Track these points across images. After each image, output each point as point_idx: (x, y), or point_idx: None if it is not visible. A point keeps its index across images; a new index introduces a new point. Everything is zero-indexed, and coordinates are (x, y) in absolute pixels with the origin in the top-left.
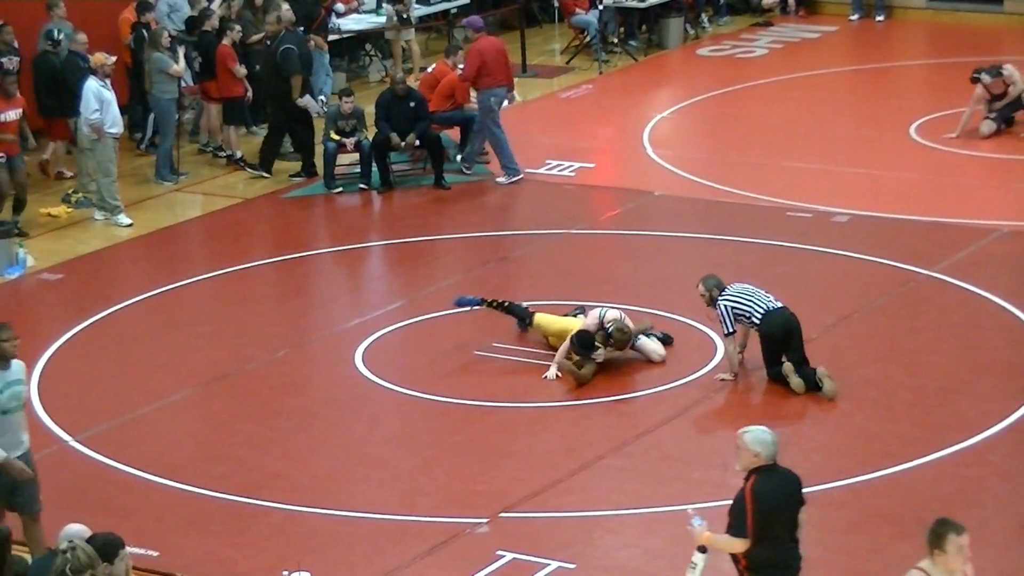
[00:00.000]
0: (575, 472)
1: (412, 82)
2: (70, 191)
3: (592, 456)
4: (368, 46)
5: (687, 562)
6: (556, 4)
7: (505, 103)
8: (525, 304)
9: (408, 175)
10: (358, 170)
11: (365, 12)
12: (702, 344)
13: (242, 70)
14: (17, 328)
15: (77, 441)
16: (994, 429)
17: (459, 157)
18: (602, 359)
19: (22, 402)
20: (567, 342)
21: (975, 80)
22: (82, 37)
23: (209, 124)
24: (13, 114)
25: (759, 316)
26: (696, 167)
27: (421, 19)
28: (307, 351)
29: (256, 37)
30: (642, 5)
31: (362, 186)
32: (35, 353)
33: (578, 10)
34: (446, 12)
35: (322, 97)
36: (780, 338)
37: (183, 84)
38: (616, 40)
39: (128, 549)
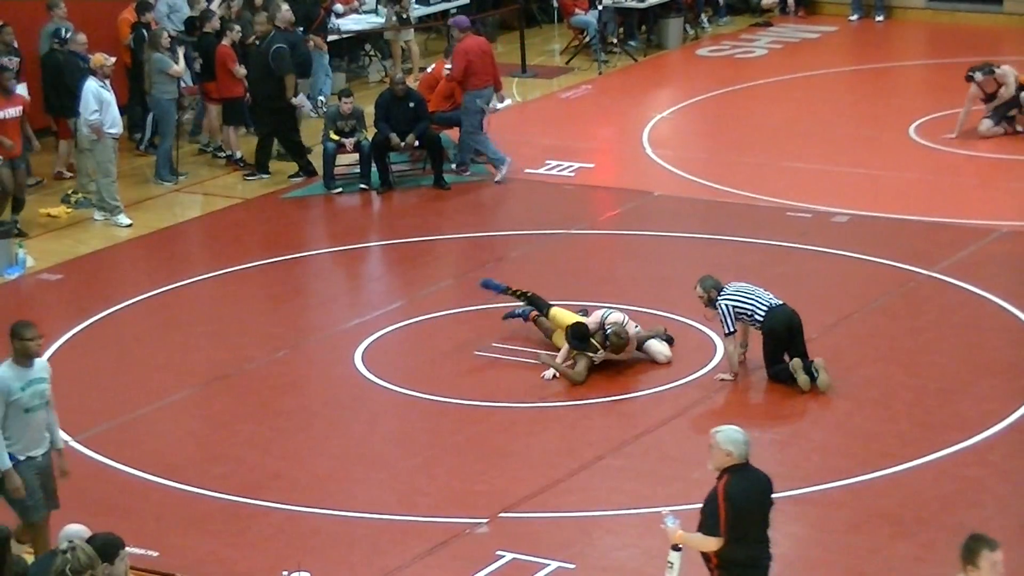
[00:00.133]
0: (575, 472)
1: (411, 82)
2: (70, 191)
3: (592, 456)
4: (368, 46)
5: (687, 562)
6: (555, 4)
7: (497, 105)
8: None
9: (408, 175)
10: (358, 170)
11: (364, 12)
12: (702, 344)
13: (242, 70)
14: None
15: (77, 441)
16: (994, 429)
17: (453, 166)
18: (599, 360)
19: (45, 400)
20: (567, 344)
21: (969, 79)
22: (81, 37)
23: (209, 125)
24: (13, 111)
25: (762, 314)
26: (696, 167)
27: (420, 19)
28: (307, 351)
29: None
30: (641, 5)
31: (362, 186)
32: None
33: (577, 10)
34: (445, 12)
35: (321, 98)
36: (784, 335)
37: (183, 84)
38: (615, 40)
39: (128, 549)
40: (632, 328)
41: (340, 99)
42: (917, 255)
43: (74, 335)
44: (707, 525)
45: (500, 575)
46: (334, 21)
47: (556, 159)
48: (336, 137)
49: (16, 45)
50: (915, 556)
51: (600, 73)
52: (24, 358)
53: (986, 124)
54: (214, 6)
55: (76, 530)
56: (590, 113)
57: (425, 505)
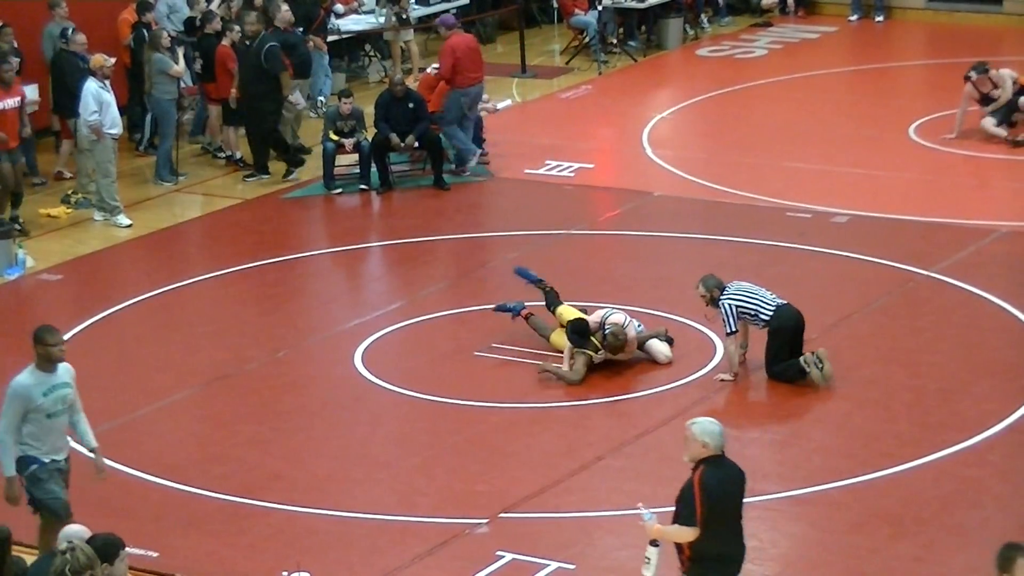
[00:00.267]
0: (575, 472)
1: (411, 83)
2: (70, 192)
3: (592, 456)
4: (367, 47)
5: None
6: (555, 5)
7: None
8: (529, 303)
9: (407, 176)
10: (357, 171)
11: (364, 13)
12: (702, 344)
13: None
14: (16, 329)
15: (76, 441)
16: (994, 429)
17: (453, 166)
18: (599, 360)
19: (68, 406)
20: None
21: (967, 79)
22: (81, 38)
23: (210, 125)
24: (12, 102)
25: (768, 313)
26: (695, 167)
27: (420, 20)
28: (307, 352)
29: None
30: (641, 6)
31: (362, 187)
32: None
33: (577, 11)
34: (457, 15)
35: (321, 98)
36: (790, 335)
37: (183, 85)
38: (615, 41)
39: (128, 550)
40: (633, 329)
41: (340, 99)
42: (917, 255)
43: (74, 335)
44: (683, 516)
45: (500, 575)
46: (334, 21)
47: (556, 159)
48: (336, 137)
49: (16, 45)
50: (915, 556)
51: (600, 73)
52: (47, 363)
53: (989, 121)
54: (214, 6)
55: (76, 530)
56: (590, 113)
57: (425, 505)
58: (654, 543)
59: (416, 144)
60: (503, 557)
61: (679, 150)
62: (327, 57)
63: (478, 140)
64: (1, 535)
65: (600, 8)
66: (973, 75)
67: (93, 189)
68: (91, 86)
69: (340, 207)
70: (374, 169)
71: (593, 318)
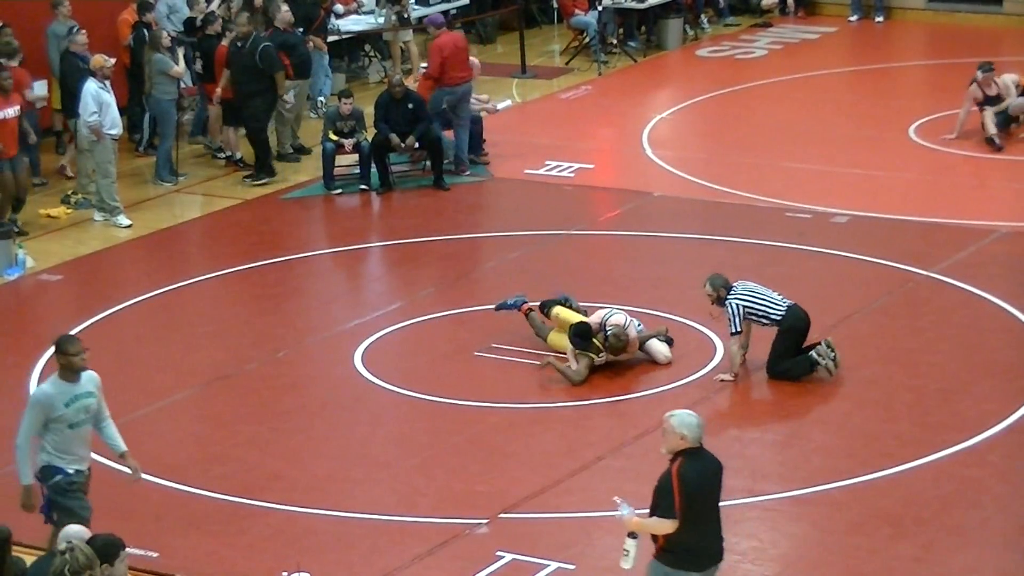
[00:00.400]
0: (575, 473)
1: (411, 83)
2: (70, 192)
3: (592, 457)
4: (367, 47)
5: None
6: (555, 5)
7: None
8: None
9: (407, 176)
10: (357, 171)
11: (364, 13)
12: (702, 344)
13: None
14: (16, 329)
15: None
16: (994, 430)
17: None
18: (601, 362)
19: (91, 415)
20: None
21: (974, 79)
22: (81, 38)
23: (210, 125)
24: (12, 112)
25: (779, 313)
26: (695, 168)
27: (420, 20)
28: (307, 352)
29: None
30: (641, 6)
31: (362, 187)
32: (34, 354)
33: (577, 11)
34: (445, 13)
35: (321, 98)
36: (801, 334)
37: (183, 85)
38: (615, 41)
39: (128, 550)
40: (634, 331)
41: (340, 100)
42: (916, 255)
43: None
44: (661, 508)
45: (500, 575)
46: (334, 22)
47: (556, 159)
48: (335, 138)
49: (16, 46)
50: (915, 556)
51: (600, 74)
52: (70, 373)
53: (990, 114)
54: (213, 6)
55: (76, 530)
56: (590, 114)
57: (425, 506)
58: (632, 535)
59: (416, 145)
60: (503, 557)
61: (679, 150)
62: (327, 57)
63: (478, 140)
64: (1, 535)
65: (600, 8)
66: (979, 75)
67: (93, 189)
68: (91, 87)
69: (340, 207)
70: (374, 169)
71: (593, 319)
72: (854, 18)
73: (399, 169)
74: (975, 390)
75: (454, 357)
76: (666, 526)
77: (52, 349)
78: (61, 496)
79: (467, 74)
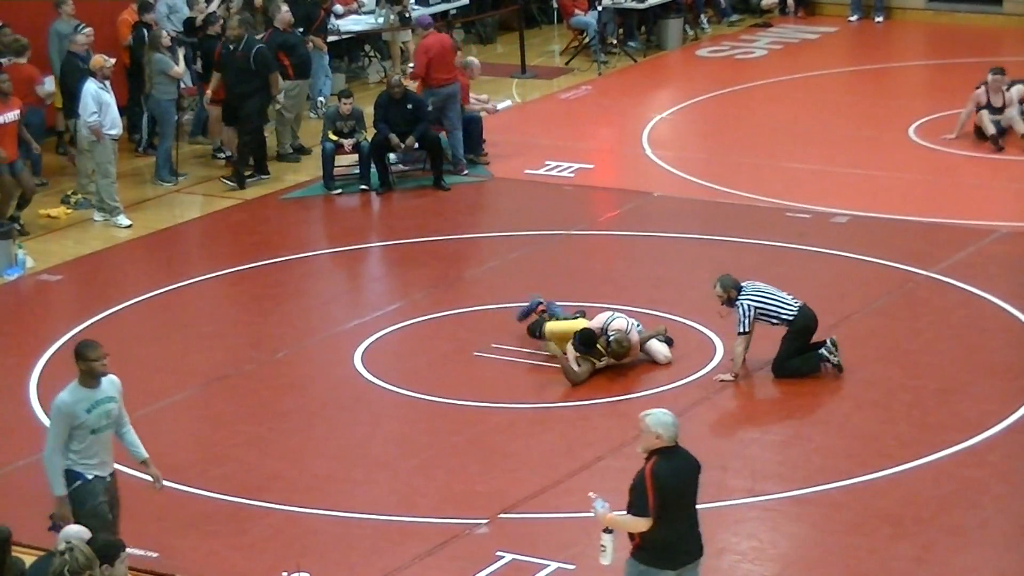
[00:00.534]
0: (575, 473)
1: (411, 83)
2: (69, 192)
3: (592, 457)
4: (367, 47)
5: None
6: (555, 5)
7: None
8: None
9: (407, 176)
10: (357, 171)
11: (364, 13)
12: (702, 344)
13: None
14: (16, 329)
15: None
16: (994, 430)
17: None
18: (603, 366)
19: (112, 420)
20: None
21: (984, 83)
22: (81, 38)
23: (210, 126)
24: (11, 116)
25: (791, 313)
26: (695, 168)
27: None
28: (306, 352)
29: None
30: (641, 6)
31: (361, 187)
32: (34, 355)
33: (577, 11)
34: (445, 13)
35: (321, 98)
36: (811, 334)
37: (182, 85)
38: (615, 41)
39: (128, 550)
40: (635, 333)
41: (340, 100)
42: (916, 256)
43: (74, 336)
44: (636, 506)
45: (500, 575)
46: (334, 22)
47: (556, 159)
48: (335, 138)
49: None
50: (915, 556)
51: (600, 74)
52: (90, 379)
53: (987, 115)
54: (213, 6)
55: (76, 531)
56: (590, 114)
57: (425, 506)
58: (607, 530)
59: (416, 145)
60: (503, 557)
61: (679, 150)
62: (327, 57)
63: (478, 140)
64: (1, 535)
65: (600, 8)
66: (990, 77)
67: (93, 189)
68: (91, 87)
69: (340, 207)
70: (374, 169)
71: (594, 323)
72: (854, 18)
73: (399, 169)
74: (975, 390)
75: (454, 357)
76: (640, 524)
77: (72, 354)
78: (79, 505)
79: (451, 76)
